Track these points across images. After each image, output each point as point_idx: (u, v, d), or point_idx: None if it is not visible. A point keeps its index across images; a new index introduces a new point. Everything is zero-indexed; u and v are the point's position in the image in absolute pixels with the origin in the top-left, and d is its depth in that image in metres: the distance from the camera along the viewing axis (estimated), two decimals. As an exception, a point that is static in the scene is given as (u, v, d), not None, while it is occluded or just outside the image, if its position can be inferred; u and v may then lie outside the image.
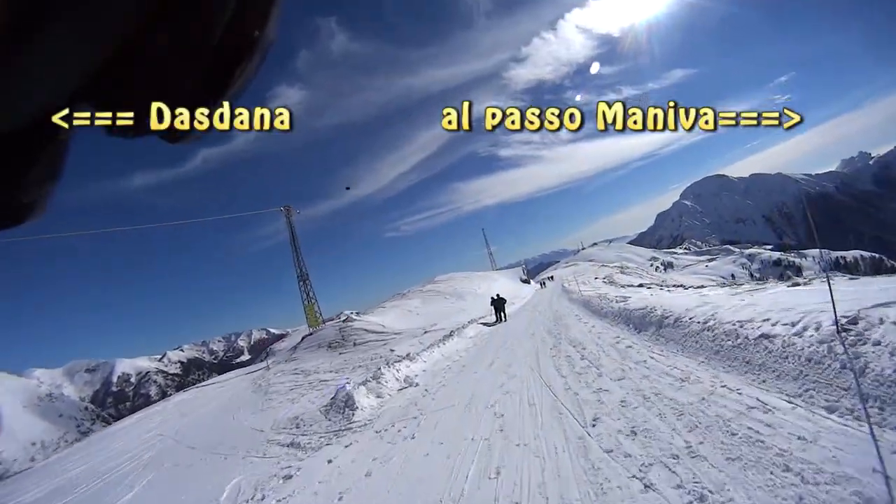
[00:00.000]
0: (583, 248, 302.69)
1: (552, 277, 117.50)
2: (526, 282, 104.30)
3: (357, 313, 53.27)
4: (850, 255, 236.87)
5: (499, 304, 34.77)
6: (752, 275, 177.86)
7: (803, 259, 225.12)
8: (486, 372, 15.97)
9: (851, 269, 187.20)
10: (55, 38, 0.46)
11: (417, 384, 16.90)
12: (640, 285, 39.82)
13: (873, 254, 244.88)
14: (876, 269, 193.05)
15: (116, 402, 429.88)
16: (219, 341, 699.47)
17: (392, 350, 29.11)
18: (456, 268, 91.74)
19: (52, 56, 0.47)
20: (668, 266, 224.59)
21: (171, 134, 0.63)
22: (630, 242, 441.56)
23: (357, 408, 14.47)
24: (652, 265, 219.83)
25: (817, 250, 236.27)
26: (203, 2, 0.54)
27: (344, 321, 46.10)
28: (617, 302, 22.15)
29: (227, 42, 0.56)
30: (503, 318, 33.70)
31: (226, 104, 0.63)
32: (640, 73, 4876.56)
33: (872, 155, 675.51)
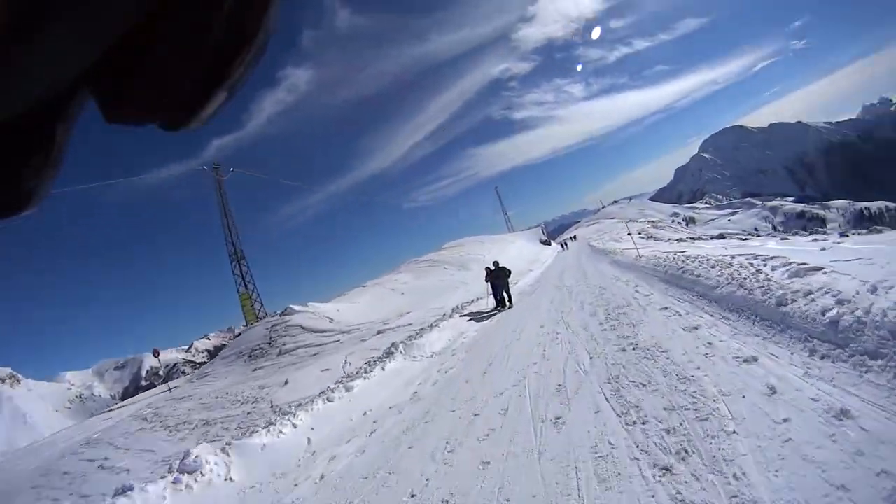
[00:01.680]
0: (603, 207, 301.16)
1: (574, 237, 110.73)
2: (546, 243, 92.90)
3: (323, 302, 41.56)
4: (875, 206, 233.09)
5: (497, 278, 22.08)
6: (775, 228, 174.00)
7: (827, 211, 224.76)
8: None
9: (876, 221, 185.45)
10: (55, 38, 0.46)
11: None
12: (721, 236, 26.72)
13: None
14: None
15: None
16: (244, 326, 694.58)
17: (285, 383, 19.26)
18: (476, 234, 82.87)
19: (52, 56, 0.48)
20: (689, 221, 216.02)
21: (171, 123, 0.60)
22: (650, 199, 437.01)
23: None
24: (673, 221, 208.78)
25: (842, 202, 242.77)
26: (203, 1, 0.54)
27: (282, 314, 36.23)
28: (783, 273, 9.62)
29: (226, 38, 0.56)
30: (506, 303, 21.63)
31: (224, 96, 0.62)
32: (651, 25, 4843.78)
33: (894, 100, 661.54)
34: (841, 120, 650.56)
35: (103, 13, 0.47)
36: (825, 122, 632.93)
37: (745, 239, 23.12)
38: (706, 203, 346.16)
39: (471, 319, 20.12)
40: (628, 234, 62.82)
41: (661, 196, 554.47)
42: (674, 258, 16.59)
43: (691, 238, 31.44)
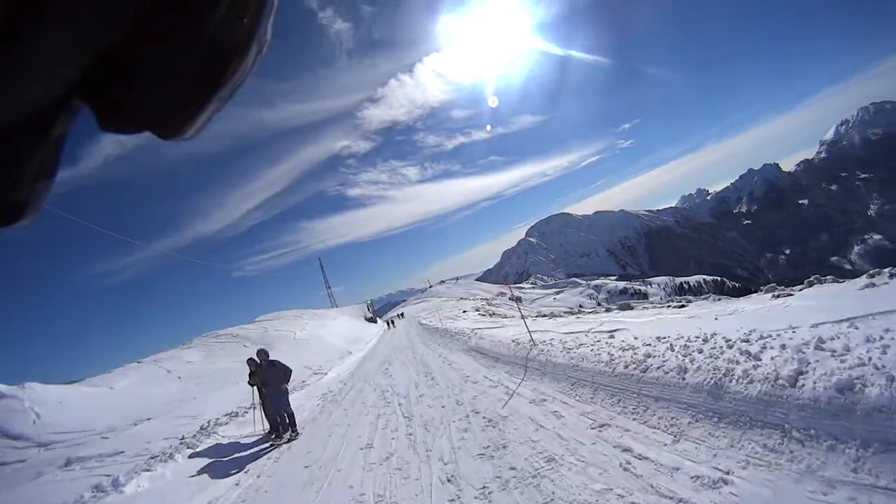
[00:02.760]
0: (430, 287, 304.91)
1: (402, 315, 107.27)
2: (372, 320, 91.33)
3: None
4: (693, 279, 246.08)
5: (268, 383, 13.26)
6: (598, 304, 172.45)
7: (648, 286, 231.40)
8: None
9: (695, 293, 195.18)
10: (52, 37, 0.45)
11: None
12: (628, 307, 19.55)
13: (715, 277, 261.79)
14: (719, 289, 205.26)
15: None
16: None
17: None
18: (299, 308, 77.31)
19: (49, 54, 0.47)
20: (517, 300, 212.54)
21: (166, 130, 0.60)
22: (477, 280, 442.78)
23: None
24: (500, 297, 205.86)
25: (661, 278, 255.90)
26: (195, 7, 0.53)
27: (-6, 398, 25.09)
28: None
29: (222, 40, 0.56)
30: (286, 429, 12.87)
31: (218, 104, 0.62)
32: (490, 118, 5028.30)
33: (710, 191, 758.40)
34: (661, 208, 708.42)
35: (101, 12, 0.46)
36: (646, 210, 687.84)
37: (682, 306, 15.16)
38: (532, 283, 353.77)
39: (208, 466, 10.89)
40: (464, 311, 55.94)
41: (487, 277, 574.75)
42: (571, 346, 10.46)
43: (568, 313, 23.43)
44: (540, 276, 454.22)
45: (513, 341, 15.21)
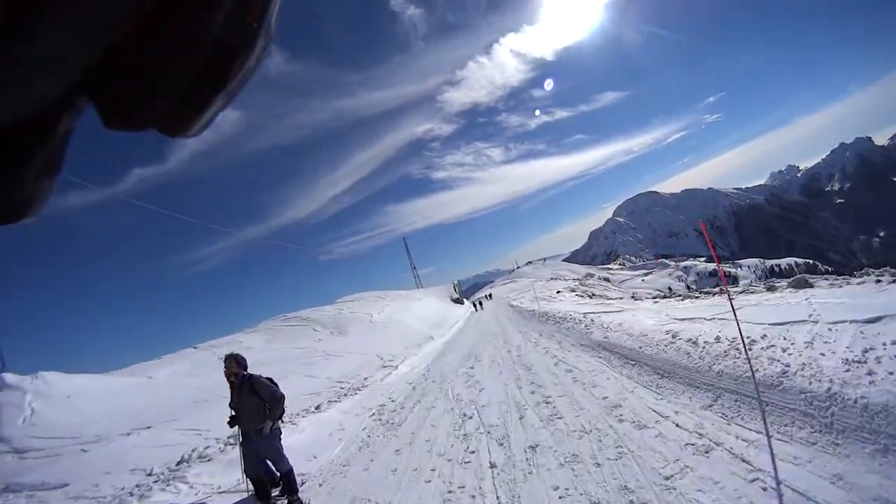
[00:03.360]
0: (517, 268, 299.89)
1: (490, 296, 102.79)
2: (458, 301, 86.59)
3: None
4: (785, 262, 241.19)
5: (241, 416, 7.27)
6: (688, 287, 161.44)
7: (738, 269, 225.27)
8: None
9: (786, 276, 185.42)
10: (52, 37, 0.45)
11: None
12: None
13: (807, 260, 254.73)
14: (811, 273, 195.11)
15: None
16: None
17: None
18: (383, 290, 75.42)
19: (49, 54, 0.47)
20: (605, 281, 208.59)
21: (170, 128, 0.59)
22: (564, 260, 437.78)
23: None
24: (589, 279, 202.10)
25: (752, 260, 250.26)
26: (199, 4, 0.52)
27: None
28: None
29: (226, 38, 0.55)
30: (281, 499, 7.25)
31: (223, 101, 0.61)
32: (573, 96, 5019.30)
33: (800, 167, 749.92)
34: (750, 186, 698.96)
35: (103, 9, 0.46)
36: (734, 188, 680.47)
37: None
38: (620, 264, 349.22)
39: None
40: (558, 292, 50.77)
41: (574, 258, 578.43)
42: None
43: (688, 296, 17.57)
44: (628, 256, 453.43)
45: (674, 336, 9.50)
